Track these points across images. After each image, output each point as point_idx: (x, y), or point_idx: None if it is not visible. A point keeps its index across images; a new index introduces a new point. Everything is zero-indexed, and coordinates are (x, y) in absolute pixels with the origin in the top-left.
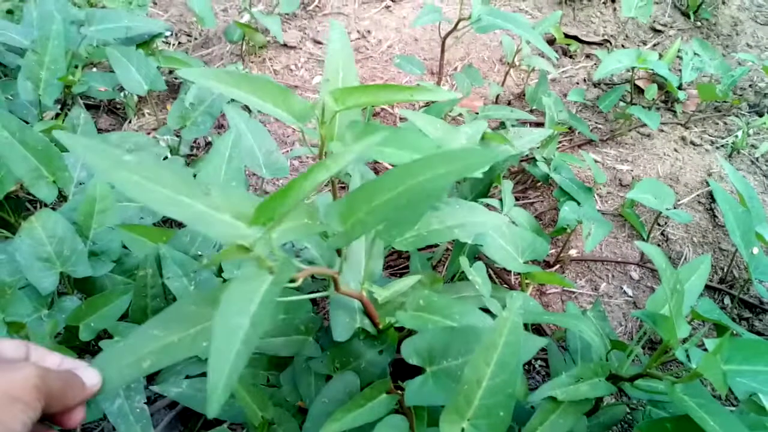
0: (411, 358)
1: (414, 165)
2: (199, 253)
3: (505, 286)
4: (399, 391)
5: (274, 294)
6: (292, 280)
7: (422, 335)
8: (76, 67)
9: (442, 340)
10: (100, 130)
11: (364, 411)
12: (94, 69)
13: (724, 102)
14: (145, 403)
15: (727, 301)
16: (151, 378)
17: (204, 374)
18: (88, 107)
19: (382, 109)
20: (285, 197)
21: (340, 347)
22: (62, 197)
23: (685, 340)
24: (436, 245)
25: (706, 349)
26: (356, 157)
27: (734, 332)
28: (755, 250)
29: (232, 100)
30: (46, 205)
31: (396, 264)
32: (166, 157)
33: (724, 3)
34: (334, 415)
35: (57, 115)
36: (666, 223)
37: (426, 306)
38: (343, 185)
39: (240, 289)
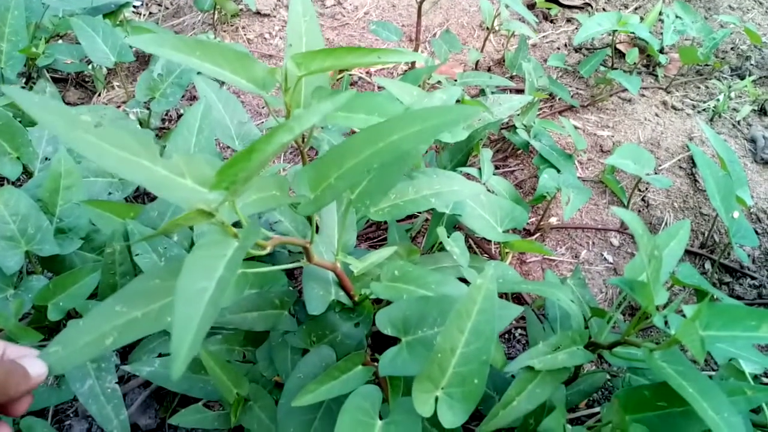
0: (386, 329)
1: (385, 125)
2: None
3: (485, 255)
4: (375, 363)
5: (240, 259)
6: (262, 248)
7: (397, 305)
8: (41, 39)
9: (417, 309)
10: (68, 104)
11: (338, 383)
12: (60, 41)
13: (706, 65)
14: (116, 383)
15: (707, 265)
16: (124, 357)
17: None
18: (55, 81)
19: (360, 78)
20: (247, 160)
21: (316, 320)
22: (28, 173)
23: (665, 306)
24: (415, 216)
25: (685, 316)
26: (320, 118)
27: (714, 297)
28: (736, 214)
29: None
30: (12, 183)
31: (375, 236)
32: None
33: None
34: (307, 387)
35: (22, 89)
36: (647, 188)
37: (401, 276)
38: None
39: (205, 254)
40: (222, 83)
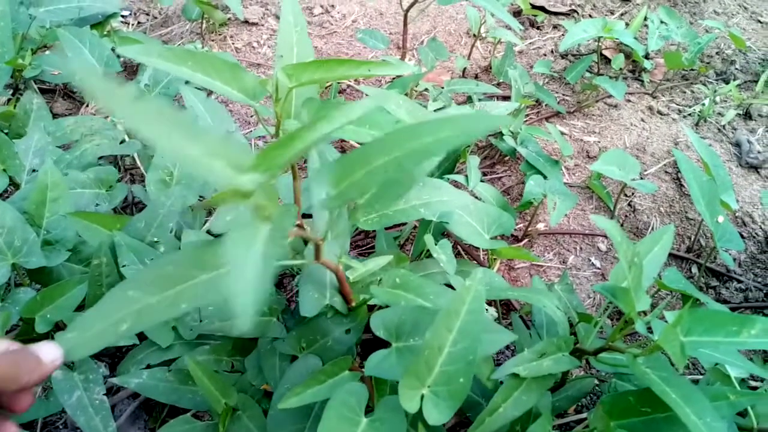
0: (379, 331)
1: (418, 127)
2: (155, 239)
3: (473, 262)
4: (362, 370)
5: (278, 238)
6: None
7: (394, 310)
8: (27, 50)
9: (412, 317)
10: (56, 115)
11: (325, 387)
12: (47, 52)
13: (691, 70)
14: (104, 394)
15: (694, 269)
16: (113, 368)
17: (165, 363)
18: (42, 92)
19: (348, 86)
20: (287, 147)
21: (308, 325)
22: (14, 185)
23: (652, 309)
24: (403, 224)
25: (668, 321)
26: (362, 114)
27: (700, 301)
28: (720, 219)
29: (188, 81)
30: None
31: (363, 243)
32: (122, 141)
33: None
34: (293, 389)
35: (8, 101)
36: (633, 193)
37: (401, 284)
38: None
39: (242, 234)
40: (210, 92)
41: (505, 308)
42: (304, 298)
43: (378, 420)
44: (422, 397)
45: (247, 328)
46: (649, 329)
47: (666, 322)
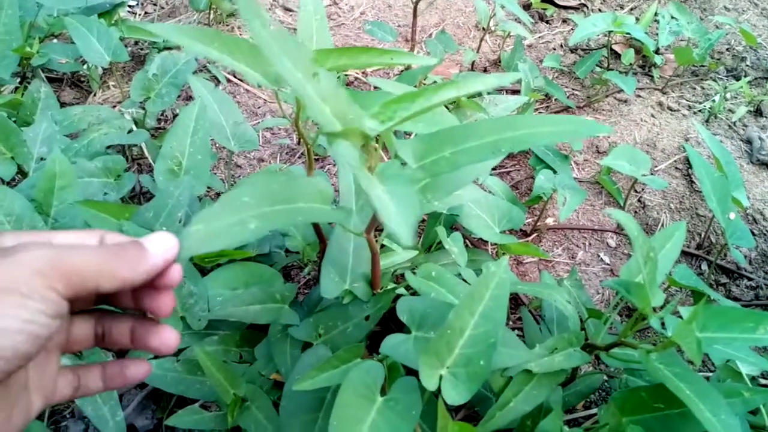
0: (403, 315)
1: (516, 119)
2: (164, 229)
3: (485, 251)
4: (373, 358)
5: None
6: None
7: (422, 299)
8: (35, 38)
9: (438, 312)
10: (63, 104)
11: (338, 372)
12: (55, 40)
13: (702, 66)
14: None
15: (704, 266)
16: (120, 358)
17: (172, 354)
18: (50, 80)
19: (356, 78)
20: (411, 101)
21: (327, 311)
22: (23, 174)
23: (662, 307)
24: None
25: (682, 317)
26: (485, 88)
27: (711, 298)
28: (732, 216)
29: (196, 71)
30: (7, 183)
31: None
32: (130, 130)
33: None
34: (307, 373)
35: (16, 89)
36: (643, 189)
37: (436, 278)
38: (317, 156)
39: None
40: (218, 83)
41: (513, 302)
42: (325, 280)
43: (393, 399)
44: (440, 377)
45: (411, 244)
46: (663, 325)
47: (679, 318)
